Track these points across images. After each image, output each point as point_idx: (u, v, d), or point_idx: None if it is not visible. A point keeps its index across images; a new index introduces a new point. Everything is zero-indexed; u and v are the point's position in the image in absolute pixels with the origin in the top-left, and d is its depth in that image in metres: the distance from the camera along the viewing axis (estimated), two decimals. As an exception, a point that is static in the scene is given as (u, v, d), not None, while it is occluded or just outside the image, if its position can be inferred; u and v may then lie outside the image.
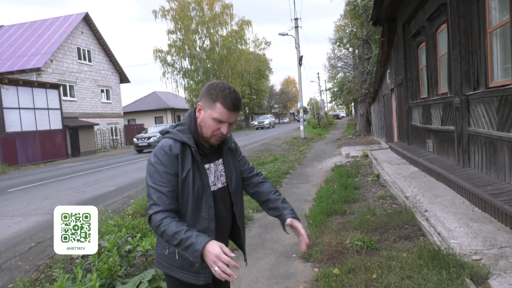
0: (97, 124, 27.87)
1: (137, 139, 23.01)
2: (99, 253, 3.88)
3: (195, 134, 1.75)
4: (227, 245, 1.92)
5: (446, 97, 7.14)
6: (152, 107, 41.84)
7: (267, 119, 50.81)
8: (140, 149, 22.55)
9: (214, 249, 1.46)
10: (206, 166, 1.79)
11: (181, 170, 1.69)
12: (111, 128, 31.16)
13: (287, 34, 25.60)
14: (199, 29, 40.66)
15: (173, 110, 41.81)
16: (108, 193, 8.99)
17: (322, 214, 5.45)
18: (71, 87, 27.10)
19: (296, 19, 25.13)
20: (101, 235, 4.74)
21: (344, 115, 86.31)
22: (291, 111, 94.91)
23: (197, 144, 1.76)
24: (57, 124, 23.31)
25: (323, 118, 43.30)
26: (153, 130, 24.07)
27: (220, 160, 1.88)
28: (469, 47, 5.90)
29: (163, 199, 1.64)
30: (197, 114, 1.77)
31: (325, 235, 4.55)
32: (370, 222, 4.77)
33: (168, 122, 41.02)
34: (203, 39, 41.34)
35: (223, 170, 1.89)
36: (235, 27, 42.38)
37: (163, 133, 1.81)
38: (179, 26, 39.75)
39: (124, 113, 35.88)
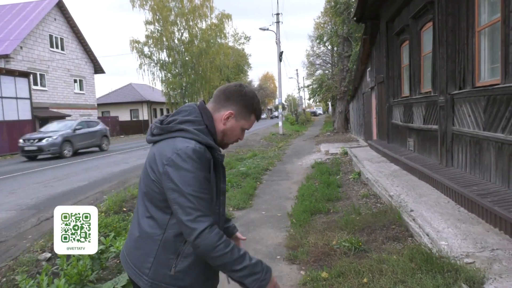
0: (69, 116, 26.80)
1: (24, 141, 15.67)
2: (67, 255, 3.55)
3: (215, 135, 1.56)
4: None
5: (429, 96, 7.10)
6: (128, 100, 40.74)
7: None
8: (29, 155, 15.53)
9: (274, 282, 1.49)
10: None
11: (211, 177, 1.49)
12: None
13: (268, 29, 25.40)
14: (178, 21, 39.78)
15: (150, 103, 40.86)
16: (79, 188, 8.54)
17: (305, 213, 5.28)
18: (42, 76, 25.95)
19: (277, 14, 24.95)
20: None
21: (321, 112, 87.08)
22: (269, 107, 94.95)
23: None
24: (26, 114, 22.24)
25: (301, 115, 43.44)
26: (53, 127, 17.30)
27: None
28: (456, 45, 5.85)
29: (210, 208, 1.43)
30: (224, 120, 1.57)
31: (310, 236, 4.38)
32: (355, 222, 4.62)
33: (144, 115, 40.11)
34: (182, 31, 40.50)
35: None
36: (215, 21, 41.73)
37: (174, 129, 1.49)
38: (157, 17, 38.75)
39: (98, 104, 34.78)
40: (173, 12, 39.37)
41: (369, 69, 14.31)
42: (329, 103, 44.97)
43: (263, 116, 79.44)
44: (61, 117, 25.45)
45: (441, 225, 4.07)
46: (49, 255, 4.26)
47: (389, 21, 10.16)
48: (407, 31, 8.69)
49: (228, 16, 42.48)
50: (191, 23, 40.06)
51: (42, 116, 23.41)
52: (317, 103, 52.71)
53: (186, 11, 39.56)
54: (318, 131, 28.09)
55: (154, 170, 1.44)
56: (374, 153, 10.92)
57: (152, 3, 38.27)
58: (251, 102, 1.58)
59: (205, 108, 1.56)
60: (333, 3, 20.55)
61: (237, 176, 8.75)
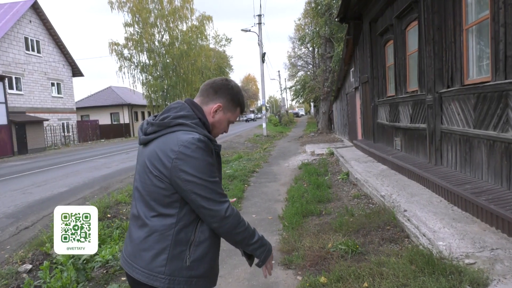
0: (47, 120, 26.02)
1: None
2: (50, 267, 3.33)
3: (208, 127, 1.62)
4: None
5: (416, 95, 7.11)
6: (108, 103, 39.91)
7: None
8: None
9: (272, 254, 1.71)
10: None
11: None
12: (63, 124, 29.28)
13: (250, 30, 25.31)
14: (158, 23, 39.31)
15: (130, 106, 40.15)
16: (60, 195, 8.19)
17: (297, 215, 5.17)
18: (17, 80, 25.11)
19: (259, 15, 24.89)
20: (51, 245, 4.15)
21: (304, 113, 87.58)
22: (251, 109, 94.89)
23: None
24: (1, 119, 21.44)
25: (284, 116, 43.50)
26: None
27: None
28: (443, 44, 5.85)
29: (222, 190, 1.52)
30: (212, 113, 1.63)
31: (304, 239, 4.26)
32: (349, 223, 4.53)
33: (125, 118, 39.37)
34: (162, 33, 40.04)
35: None
36: (195, 22, 41.42)
37: (172, 124, 1.50)
38: (136, 19, 38.21)
39: (77, 108, 33.92)
40: (152, 14, 38.92)
41: (352, 69, 14.37)
42: (312, 104, 45.21)
43: (247, 117, 79.47)
44: (39, 121, 24.71)
45: (436, 225, 4.01)
46: (29, 266, 4.01)
47: (373, 21, 10.19)
48: (391, 30, 8.71)
49: (209, 18, 42.27)
50: (171, 25, 39.69)
51: (19, 120, 22.63)
52: (300, 104, 52.85)
53: (166, 13, 39.17)
54: (302, 132, 28.14)
55: (158, 166, 1.44)
56: (360, 153, 10.93)
57: (131, 4, 37.74)
58: (237, 96, 1.66)
59: (195, 103, 1.61)
60: (313, 5, 20.62)
61: (224, 178, 8.58)
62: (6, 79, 22.63)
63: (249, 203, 6.58)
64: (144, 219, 1.49)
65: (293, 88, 31.48)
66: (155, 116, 1.58)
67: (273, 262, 1.69)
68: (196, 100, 1.63)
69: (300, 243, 4.14)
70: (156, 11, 39.06)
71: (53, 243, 4.07)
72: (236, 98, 1.66)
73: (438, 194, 5.22)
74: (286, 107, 66.05)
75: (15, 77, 24.85)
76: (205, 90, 1.64)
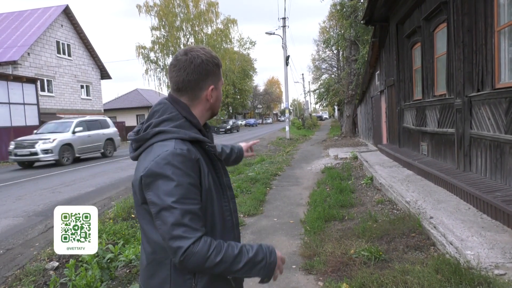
0: (76, 121, 26.88)
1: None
2: (76, 265, 3.42)
3: (198, 125, 1.39)
4: None
5: (444, 99, 6.91)
6: (134, 105, 40.86)
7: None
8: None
9: (280, 258, 1.39)
10: None
11: (204, 179, 1.30)
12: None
13: (274, 33, 25.31)
14: (184, 27, 40.03)
15: (156, 108, 40.91)
16: (87, 194, 8.42)
17: (319, 220, 5.11)
18: (49, 82, 26.06)
19: (284, 18, 24.87)
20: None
21: (327, 116, 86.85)
22: (274, 112, 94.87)
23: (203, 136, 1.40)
24: (33, 120, 22.28)
25: (308, 119, 43.23)
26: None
27: None
28: (473, 46, 5.67)
29: (197, 221, 1.22)
30: (209, 98, 1.42)
31: (326, 244, 4.21)
32: (373, 229, 4.44)
33: (150, 120, 40.06)
34: (188, 36, 40.72)
35: None
36: (220, 26, 41.93)
37: (149, 135, 1.32)
38: (163, 23, 39.04)
39: (105, 110, 34.86)
40: (179, 18, 39.65)
41: (378, 72, 14.13)
42: (336, 107, 44.75)
43: (269, 120, 79.46)
44: (68, 122, 25.51)
45: (464, 233, 3.88)
46: (56, 264, 4.13)
47: (399, 23, 9.99)
48: (418, 33, 8.52)
49: (234, 21, 42.66)
50: (196, 29, 40.31)
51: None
52: (324, 107, 52.41)
53: (192, 17, 39.80)
54: (325, 135, 27.89)
55: (135, 186, 1.30)
56: (385, 157, 10.72)
57: (158, 9, 38.55)
58: (216, 61, 1.42)
59: (177, 100, 1.38)
60: (338, 7, 20.43)
61: (246, 181, 8.60)
62: (38, 81, 23.50)
63: (271, 206, 6.56)
64: (143, 243, 1.37)
65: (317, 91, 31.25)
66: (142, 123, 1.39)
67: (282, 267, 1.43)
68: (175, 93, 1.40)
69: (322, 248, 4.09)
70: (182, 15, 39.78)
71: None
72: (216, 63, 1.41)
73: (466, 201, 5.05)
74: (310, 110, 65.69)
75: (47, 80, 25.79)
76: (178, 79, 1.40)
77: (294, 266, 3.86)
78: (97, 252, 3.49)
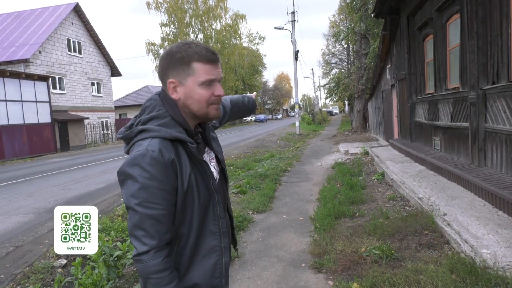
0: (87, 118, 27.11)
1: None
2: (83, 264, 3.40)
3: (185, 124, 1.32)
4: (230, 256, 1.51)
5: (457, 92, 6.73)
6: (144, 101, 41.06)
7: None
8: None
9: None
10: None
11: (181, 181, 1.25)
12: (102, 122, 30.39)
13: (283, 28, 25.12)
14: (193, 23, 40.06)
15: (166, 105, 41.09)
16: (97, 191, 8.46)
17: (329, 217, 5.02)
18: (60, 80, 26.28)
19: (293, 13, 24.64)
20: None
21: (338, 111, 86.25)
22: (284, 107, 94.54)
23: (190, 136, 1.33)
24: (45, 118, 22.56)
25: (318, 114, 42.96)
26: None
27: (207, 147, 1.48)
28: (488, 37, 5.49)
29: (158, 227, 1.20)
30: (173, 96, 1.31)
31: (336, 241, 4.12)
32: (384, 226, 4.34)
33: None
34: (197, 32, 40.74)
35: (214, 155, 1.48)
36: (229, 21, 41.87)
37: (134, 134, 1.28)
38: (172, 19, 39.10)
39: (116, 107, 35.08)
40: (188, 14, 39.67)
41: (388, 66, 13.90)
42: (346, 102, 44.36)
43: (279, 116, 79.16)
44: (80, 119, 25.76)
45: (480, 231, 3.75)
46: (64, 261, 4.12)
47: (410, 15, 9.77)
48: (430, 24, 8.31)
49: (243, 17, 42.54)
50: (205, 25, 40.29)
51: (61, 119, 23.70)
52: (334, 102, 52.02)
53: (201, 13, 39.78)
54: (335, 130, 27.66)
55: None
56: (396, 152, 10.55)
57: (167, 5, 38.58)
58: (181, 55, 1.27)
59: (166, 96, 1.33)
60: (348, 0, 20.16)
61: (255, 177, 8.54)
62: (50, 79, 23.75)
63: (280, 203, 6.49)
64: None
65: (327, 86, 30.99)
66: (136, 117, 1.37)
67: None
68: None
69: (332, 246, 4.01)
70: (191, 11, 39.79)
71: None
72: (181, 57, 1.27)
73: (481, 197, 4.90)
74: (320, 105, 65.26)
75: (58, 77, 26.01)
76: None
77: (303, 265, 3.79)
78: (103, 250, 3.46)
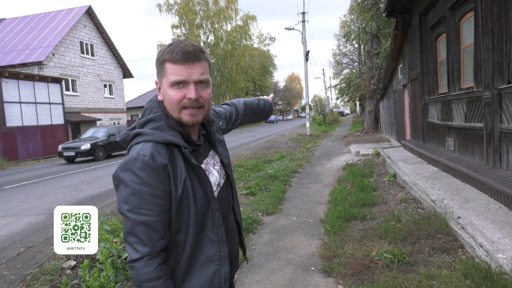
0: (100, 119, 27.42)
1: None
2: (92, 266, 3.39)
3: (179, 128, 1.28)
4: (237, 263, 1.49)
5: (471, 92, 6.58)
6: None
7: None
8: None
9: None
10: (203, 166, 1.32)
11: (175, 186, 1.20)
12: (114, 123, 30.68)
13: (293, 29, 25.02)
14: (204, 24, 40.22)
15: (177, 106, 41.31)
16: (107, 192, 8.51)
17: (340, 219, 4.94)
18: (73, 82, 26.63)
19: (303, 13, 24.54)
20: (95, 242, 4.25)
21: (349, 112, 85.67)
22: (295, 108, 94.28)
23: (186, 140, 1.28)
24: (58, 119, 22.87)
25: (329, 115, 42.70)
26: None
27: (212, 150, 1.43)
28: (503, 36, 5.35)
29: (150, 234, 1.17)
30: (159, 98, 1.32)
31: (346, 245, 4.04)
32: (396, 229, 4.25)
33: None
34: (208, 34, 40.90)
35: (219, 159, 1.43)
36: (239, 22, 41.91)
37: (130, 138, 1.27)
38: (183, 21, 39.33)
39: (127, 108, 35.39)
40: (198, 15, 39.85)
41: (400, 66, 13.72)
42: (357, 103, 44.02)
43: (289, 117, 78.93)
44: (92, 121, 26.04)
45: (495, 235, 3.64)
46: (73, 263, 4.13)
47: (423, 14, 9.61)
48: (443, 23, 8.16)
49: (253, 18, 42.53)
50: (216, 26, 40.41)
51: (74, 120, 24.00)
52: (345, 103, 51.69)
53: (212, 14, 39.92)
54: (346, 131, 27.45)
55: None
56: (408, 153, 10.39)
57: (178, 7, 38.82)
58: (158, 56, 1.27)
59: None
60: (359, 0, 19.99)
61: (265, 179, 8.49)
62: (63, 81, 24.07)
63: (290, 204, 6.43)
64: None
65: (338, 86, 30.77)
66: (140, 119, 1.36)
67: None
68: None
69: (342, 249, 3.93)
70: (201, 13, 39.96)
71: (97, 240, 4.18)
72: (158, 58, 1.27)
73: (496, 199, 4.77)
74: (331, 106, 64.91)
75: (71, 79, 26.36)
76: None
77: (312, 268, 3.73)
78: (111, 252, 3.45)
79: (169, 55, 1.23)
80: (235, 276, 1.51)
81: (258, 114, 1.92)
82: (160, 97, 1.31)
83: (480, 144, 6.28)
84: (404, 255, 3.49)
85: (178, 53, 1.22)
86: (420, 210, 5.16)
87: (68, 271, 3.92)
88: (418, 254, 3.61)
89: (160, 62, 1.26)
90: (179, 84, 1.23)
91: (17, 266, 4.36)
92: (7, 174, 13.54)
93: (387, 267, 3.38)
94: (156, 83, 1.32)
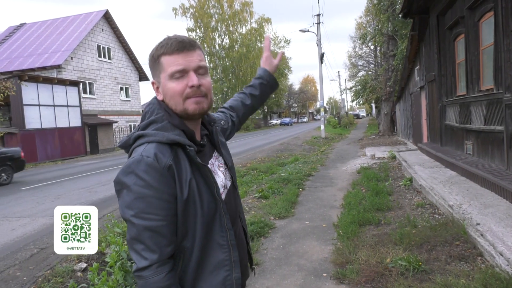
0: (116, 122, 27.78)
1: None
2: (101, 269, 3.38)
3: (183, 126, 1.22)
4: (247, 272, 1.45)
5: (491, 94, 6.38)
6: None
7: None
8: None
9: None
10: (209, 166, 1.26)
11: (180, 188, 1.14)
12: (130, 126, 31.07)
13: (308, 31, 24.92)
14: (219, 27, 40.46)
15: (192, 109, 41.65)
16: (121, 194, 8.56)
17: (353, 224, 4.83)
18: (90, 85, 27.09)
19: (318, 15, 24.40)
20: (106, 244, 4.26)
21: (365, 114, 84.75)
22: (310, 111, 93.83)
23: (190, 139, 1.23)
24: (76, 121, 23.27)
25: (344, 118, 42.31)
26: None
27: (215, 151, 1.38)
28: (525, 35, 5.16)
29: (158, 240, 1.11)
30: (158, 97, 1.27)
31: (360, 251, 3.94)
32: (412, 236, 4.12)
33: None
34: (223, 37, 41.13)
35: (223, 161, 1.38)
36: (254, 25, 42.04)
37: (131, 140, 1.23)
38: (198, 24, 39.64)
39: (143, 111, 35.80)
40: (213, 19, 40.11)
41: (417, 67, 13.47)
42: (373, 105, 43.50)
43: (304, 119, 78.57)
44: (109, 123, 26.44)
45: (516, 243, 3.48)
46: (84, 265, 4.14)
47: (440, 14, 9.41)
48: (462, 23, 7.95)
49: (268, 20, 42.61)
50: (231, 29, 40.61)
51: (91, 123, 24.38)
52: (361, 105, 51.14)
53: (227, 17, 40.14)
54: (362, 134, 27.11)
55: None
56: (425, 157, 10.15)
57: (194, 10, 39.15)
58: (151, 54, 1.24)
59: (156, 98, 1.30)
60: (376, 1, 19.74)
61: (278, 182, 8.41)
62: (81, 84, 24.51)
63: (303, 208, 6.33)
64: None
65: (353, 88, 30.43)
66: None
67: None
68: None
69: (355, 256, 3.83)
70: (216, 16, 40.21)
71: (108, 242, 4.17)
72: (152, 56, 1.24)
73: (518, 206, 4.58)
74: (346, 108, 64.34)
75: (89, 82, 26.82)
76: None
77: (324, 274, 3.63)
78: (121, 255, 3.44)
79: (164, 49, 1.20)
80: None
81: (260, 98, 1.78)
82: (160, 97, 1.27)
83: (500, 148, 6.07)
84: (420, 263, 3.37)
85: (173, 44, 1.19)
86: (437, 216, 5.00)
87: (79, 274, 3.93)
88: (434, 262, 3.48)
89: (155, 59, 1.23)
90: (179, 74, 1.19)
91: (30, 267, 4.40)
92: (26, 176, 13.80)
93: (402, 275, 3.26)
94: (153, 83, 1.28)
